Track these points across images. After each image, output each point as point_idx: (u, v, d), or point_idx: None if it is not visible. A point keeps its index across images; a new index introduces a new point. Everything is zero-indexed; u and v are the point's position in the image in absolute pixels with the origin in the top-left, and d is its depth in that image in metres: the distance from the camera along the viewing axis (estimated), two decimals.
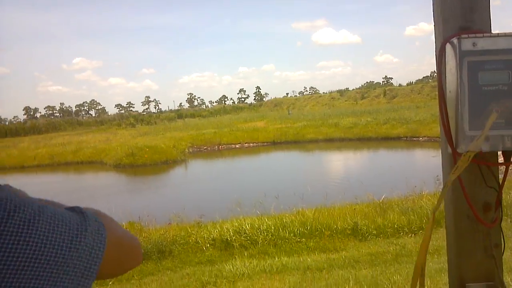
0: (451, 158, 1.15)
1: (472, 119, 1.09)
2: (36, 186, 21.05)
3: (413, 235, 8.55)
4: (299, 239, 8.74)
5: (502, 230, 1.16)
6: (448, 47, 1.15)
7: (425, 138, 31.43)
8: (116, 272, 0.83)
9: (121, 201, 16.85)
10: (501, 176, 1.16)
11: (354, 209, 10.07)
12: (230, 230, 9.10)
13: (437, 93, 1.25)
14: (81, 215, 0.74)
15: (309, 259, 7.34)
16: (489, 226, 1.14)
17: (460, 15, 1.17)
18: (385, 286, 5.46)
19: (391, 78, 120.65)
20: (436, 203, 1.12)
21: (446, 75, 1.16)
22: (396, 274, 5.89)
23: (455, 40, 1.12)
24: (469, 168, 1.13)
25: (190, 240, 9.05)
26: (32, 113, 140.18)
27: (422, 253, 1.11)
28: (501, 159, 1.15)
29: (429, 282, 5.46)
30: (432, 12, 1.27)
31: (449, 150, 1.15)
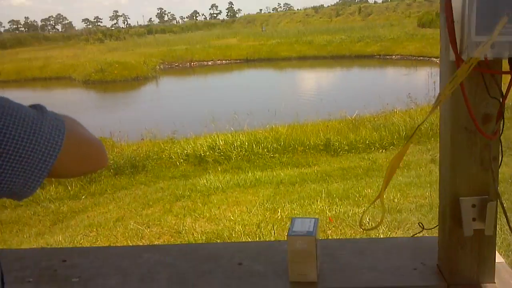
0: (453, 66, 1.07)
1: (480, 23, 0.99)
2: None
3: (384, 150, 8.73)
4: (272, 155, 8.84)
5: (501, 143, 1.12)
6: None
7: (398, 56, 31.41)
8: (76, 171, 0.78)
9: (91, 117, 16.54)
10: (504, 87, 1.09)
11: (327, 125, 10.15)
12: (204, 146, 9.12)
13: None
14: (39, 110, 0.70)
15: (282, 174, 7.46)
16: (490, 138, 1.09)
17: None
18: (356, 199, 5.63)
19: None
20: (427, 114, 1.05)
21: None
22: (367, 188, 6.05)
23: None
24: (471, 77, 1.05)
25: (164, 156, 9.05)
26: None
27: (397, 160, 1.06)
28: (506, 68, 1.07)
29: (399, 195, 5.65)
30: None
31: (452, 57, 1.06)
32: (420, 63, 28.00)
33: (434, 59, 27.80)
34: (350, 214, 4.95)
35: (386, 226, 4.54)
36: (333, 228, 4.66)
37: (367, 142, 8.96)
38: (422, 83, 18.09)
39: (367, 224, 4.46)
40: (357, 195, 5.73)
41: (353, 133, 9.38)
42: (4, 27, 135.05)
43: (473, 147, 1.12)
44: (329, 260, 1.36)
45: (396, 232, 4.41)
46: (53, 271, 1.41)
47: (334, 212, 5.11)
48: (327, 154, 8.78)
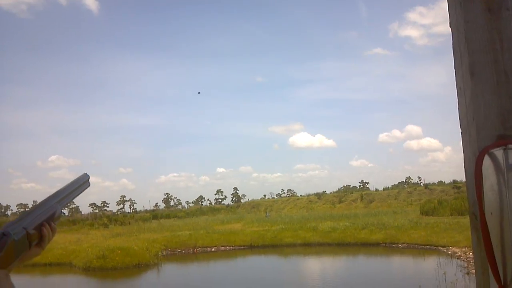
0: None
1: None
2: None
3: None
4: None
5: None
6: (487, 159, 0.94)
7: (404, 244, 31.08)
8: None
9: None
10: None
11: None
12: None
13: (469, 213, 1.04)
14: None
15: None
16: None
17: (498, 120, 0.98)
18: None
19: (368, 183, 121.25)
20: None
21: (485, 194, 0.94)
22: None
23: (497, 152, 0.91)
24: None
25: None
26: (3, 210, 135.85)
27: None
28: None
29: None
30: (459, 119, 1.09)
31: (494, 286, 0.90)
32: (427, 252, 27.66)
33: (441, 248, 27.56)
34: None
35: None
36: None
37: None
38: (431, 273, 17.57)
39: None
40: None
41: None
42: (12, 210, 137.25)
43: None
44: None
45: None
46: None
47: None
48: None
